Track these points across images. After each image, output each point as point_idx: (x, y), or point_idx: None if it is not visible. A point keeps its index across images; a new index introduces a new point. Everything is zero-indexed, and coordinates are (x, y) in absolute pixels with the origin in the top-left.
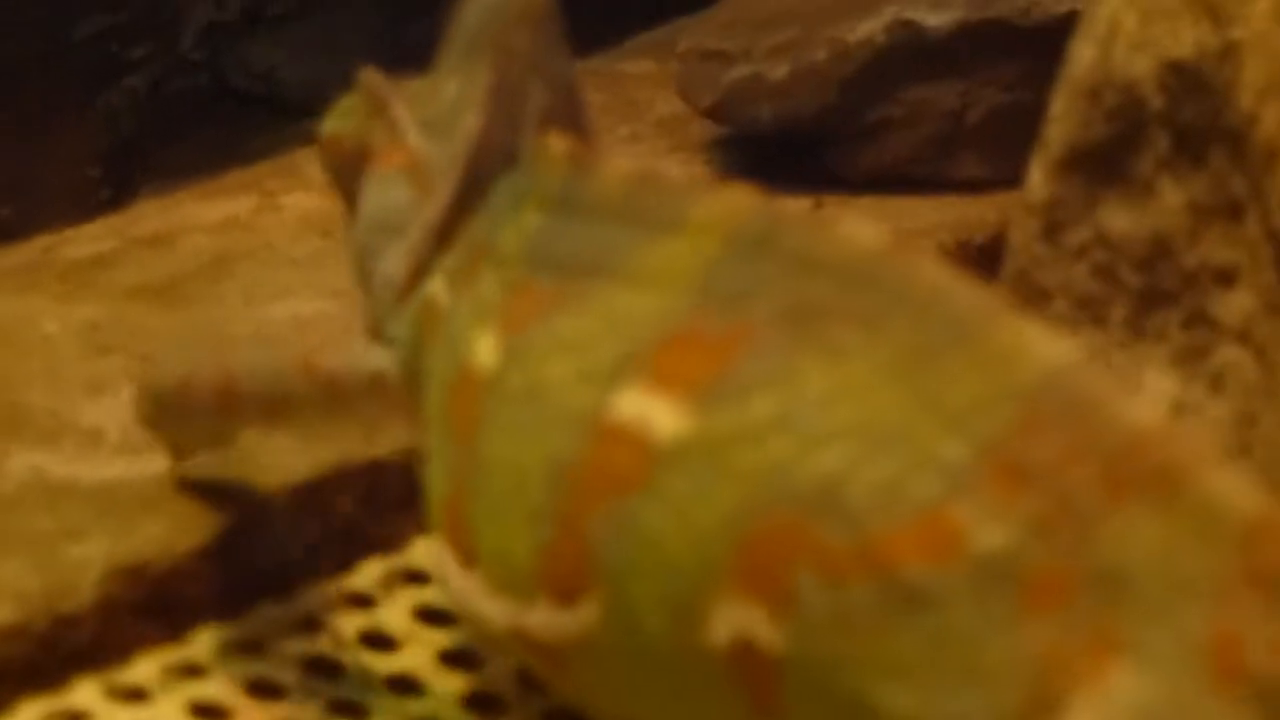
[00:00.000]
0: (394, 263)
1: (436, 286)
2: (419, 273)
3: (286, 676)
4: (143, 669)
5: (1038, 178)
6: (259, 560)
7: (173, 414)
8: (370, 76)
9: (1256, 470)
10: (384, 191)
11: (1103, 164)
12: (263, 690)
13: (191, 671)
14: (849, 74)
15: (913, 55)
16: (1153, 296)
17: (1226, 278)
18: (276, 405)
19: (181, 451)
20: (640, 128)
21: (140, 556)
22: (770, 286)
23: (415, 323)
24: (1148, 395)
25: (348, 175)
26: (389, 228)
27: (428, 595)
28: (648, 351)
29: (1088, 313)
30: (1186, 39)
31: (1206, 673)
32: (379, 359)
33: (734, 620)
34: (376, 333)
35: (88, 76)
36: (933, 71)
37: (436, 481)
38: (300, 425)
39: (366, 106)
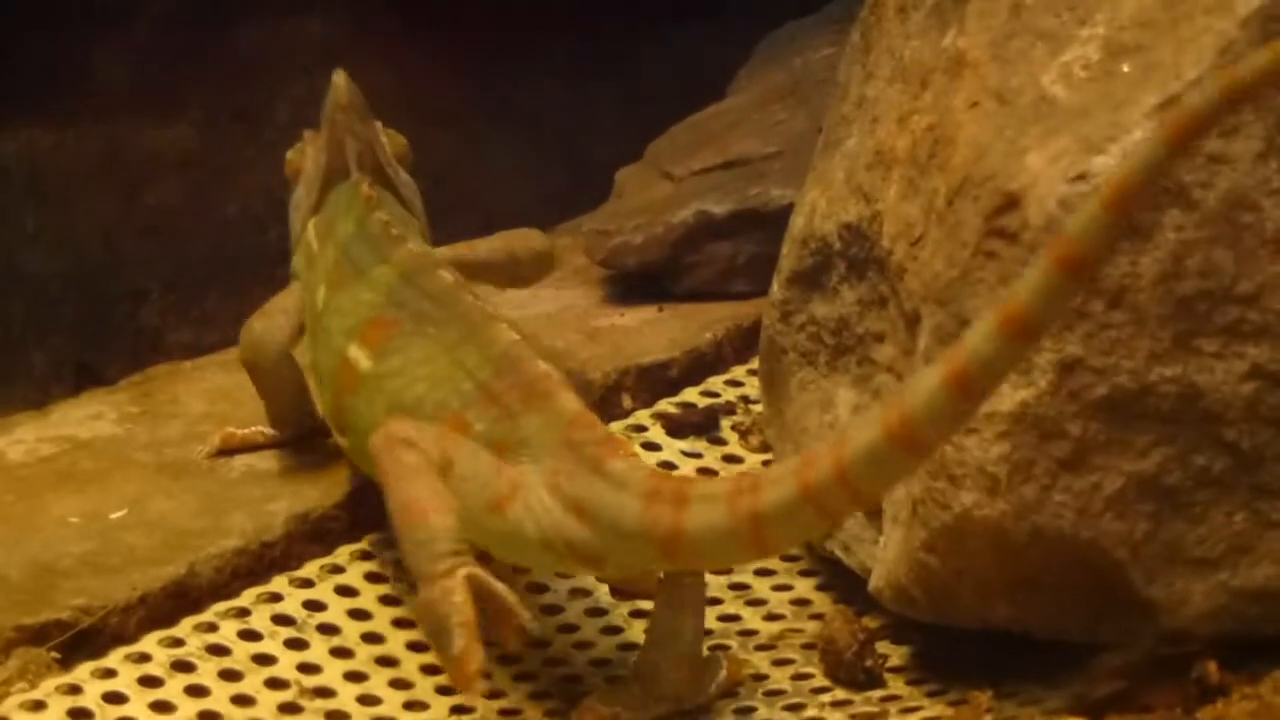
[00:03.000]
0: (293, 224)
1: (310, 235)
2: (300, 231)
3: (389, 572)
4: (310, 569)
5: (776, 288)
6: (372, 507)
7: (278, 420)
8: (307, 134)
9: None
10: (296, 190)
11: (810, 280)
12: (377, 579)
13: (336, 570)
14: (674, 238)
15: (707, 228)
16: (840, 350)
17: (879, 338)
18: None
19: (297, 430)
20: (565, 273)
21: (307, 507)
22: (410, 301)
23: (302, 255)
24: (840, 403)
25: (293, 180)
26: (294, 208)
27: None
28: (361, 325)
29: (806, 359)
30: (852, 210)
31: (545, 487)
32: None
33: None
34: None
35: (275, 257)
36: (718, 236)
37: (306, 354)
38: None
39: (304, 146)
